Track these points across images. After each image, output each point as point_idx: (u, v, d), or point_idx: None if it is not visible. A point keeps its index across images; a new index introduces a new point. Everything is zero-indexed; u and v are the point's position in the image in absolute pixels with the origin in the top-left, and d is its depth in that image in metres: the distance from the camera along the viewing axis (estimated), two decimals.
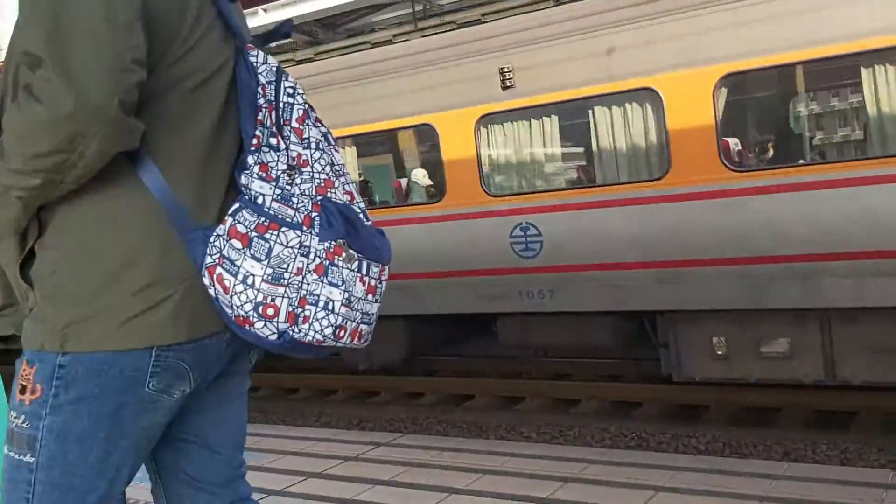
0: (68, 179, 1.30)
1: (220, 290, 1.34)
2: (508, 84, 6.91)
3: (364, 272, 1.41)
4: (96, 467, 1.39)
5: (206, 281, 1.35)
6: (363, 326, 1.44)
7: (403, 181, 8.40)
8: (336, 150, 1.52)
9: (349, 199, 1.48)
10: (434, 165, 7.84)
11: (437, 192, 7.75)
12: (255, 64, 1.43)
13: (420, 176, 8.15)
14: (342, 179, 1.49)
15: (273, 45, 1.58)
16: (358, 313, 1.41)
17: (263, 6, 10.86)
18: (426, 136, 7.88)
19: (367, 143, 8.49)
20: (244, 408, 1.66)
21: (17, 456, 1.40)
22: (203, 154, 1.40)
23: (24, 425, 1.39)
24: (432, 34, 9.14)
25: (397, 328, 7.86)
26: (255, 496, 3.41)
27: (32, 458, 1.38)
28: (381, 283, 1.46)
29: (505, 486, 3.36)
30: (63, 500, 1.39)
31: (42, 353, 1.37)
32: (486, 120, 7.18)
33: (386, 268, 1.48)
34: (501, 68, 6.96)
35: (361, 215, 1.48)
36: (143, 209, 1.34)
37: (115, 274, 1.33)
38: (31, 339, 1.39)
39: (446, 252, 7.35)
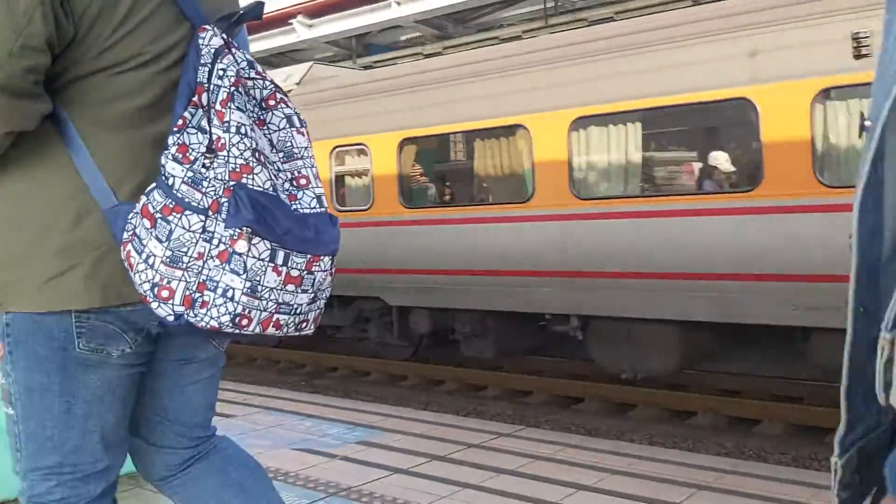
0: None
1: (128, 266, 1.37)
2: (864, 52, 5.75)
3: (280, 262, 1.37)
4: (63, 419, 1.47)
5: (122, 255, 1.38)
6: (281, 316, 1.41)
7: (696, 165, 7.34)
8: (300, 133, 1.51)
9: (304, 182, 1.48)
10: (744, 147, 6.82)
11: (747, 179, 6.65)
12: (201, 46, 1.43)
13: (721, 160, 7.05)
14: (298, 164, 1.49)
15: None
16: (271, 303, 1.38)
17: (397, 0, 11.06)
18: (737, 112, 6.67)
19: (655, 120, 7.37)
20: (208, 389, 1.71)
21: (5, 410, 1.52)
22: (134, 133, 1.42)
23: (2, 381, 1.50)
24: (562, 31, 9.05)
25: (668, 336, 7.09)
26: (382, 472, 3.47)
27: (13, 412, 1.49)
28: (310, 273, 1.42)
29: (633, 488, 3.29)
30: (42, 450, 1.49)
31: None
32: (829, 94, 6.02)
33: (322, 258, 1.44)
34: (855, 33, 5.82)
35: (315, 202, 1.47)
36: (65, 182, 1.40)
37: (36, 239, 1.41)
38: None
39: (754, 251, 6.21)
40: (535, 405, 7.87)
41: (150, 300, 1.37)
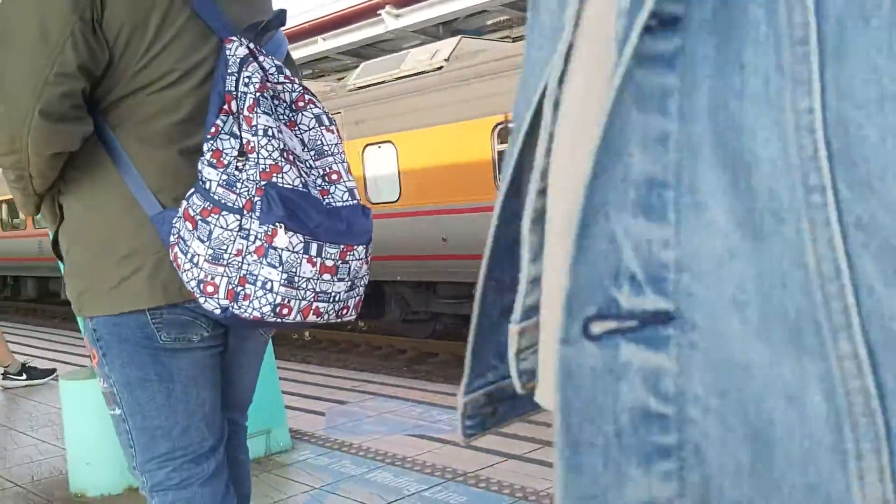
0: (35, 174, 1.51)
1: (176, 266, 1.50)
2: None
3: (313, 253, 1.47)
4: (166, 405, 1.60)
5: (171, 257, 1.50)
6: (320, 304, 1.51)
7: None
8: (329, 131, 1.61)
9: (335, 178, 1.58)
10: None
11: None
12: (227, 56, 1.52)
13: None
14: (329, 160, 1.60)
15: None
16: (308, 292, 1.48)
17: None
18: None
19: None
20: (250, 376, 1.86)
21: (111, 412, 1.65)
22: (174, 147, 1.54)
23: (104, 385, 1.64)
24: None
25: None
26: (496, 458, 3.53)
27: (120, 411, 1.62)
28: (345, 262, 1.52)
29: None
30: (154, 440, 1.62)
31: (82, 321, 1.64)
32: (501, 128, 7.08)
33: (356, 247, 1.54)
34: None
35: (347, 195, 1.58)
36: (119, 198, 1.53)
37: (101, 250, 1.55)
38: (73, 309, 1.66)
39: None
40: None
41: (198, 296, 1.48)
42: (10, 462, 3.99)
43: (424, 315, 10.26)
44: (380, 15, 12.76)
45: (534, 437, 3.93)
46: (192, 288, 1.48)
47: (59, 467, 3.82)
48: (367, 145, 10.04)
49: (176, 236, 1.48)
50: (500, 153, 8.57)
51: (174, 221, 1.49)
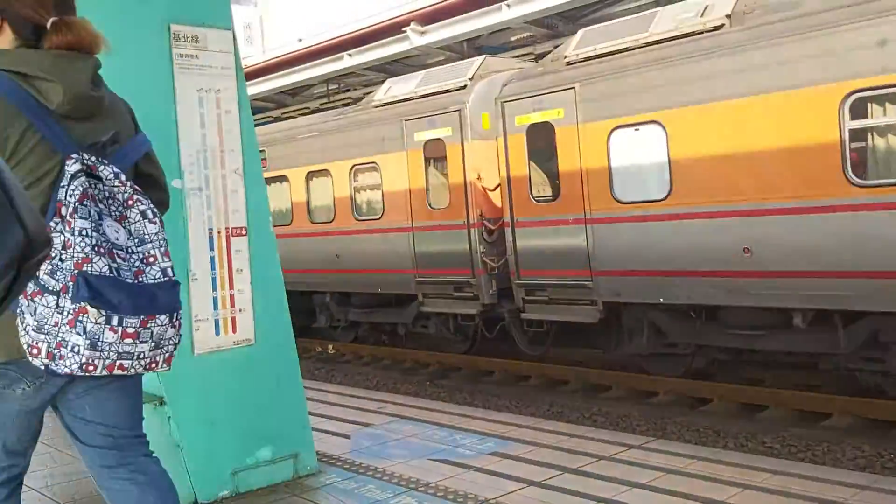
0: None
1: (18, 332, 1.93)
2: None
3: (115, 323, 1.92)
4: None
5: (16, 324, 1.93)
6: (125, 362, 1.96)
7: None
8: (152, 223, 2.06)
9: (152, 260, 2.03)
10: None
11: None
12: (65, 171, 1.98)
13: None
14: (148, 246, 2.03)
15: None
16: (112, 353, 1.93)
17: (507, 2, 11.15)
18: None
19: None
20: (123, 395, 2.19)
21: None
22: None
23: None
24: None
25: None
26: (517, 484, 3.61)
27: None
28: (146, 328, 1.97)
29: None
30: None
31: None
32: None
33: (158, 317, 1.98)
34: None
35: (160, 273, 2.02)
36: None
37: None
38: None
39: None
40: (662, 406, 7.83)
41: (29, 356, 1.93)
42: (52, 480, 4.14)
43: (685, 348, 8.10)
44: (405, 32, 12.92)
45: (551, 462, 4.02)
46: (26, 349, 1.93)
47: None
48: (616, 128, 7.94)
49: (19, 310, 1.93)
50: (854, 133, 6.44)
51: (20, 299, 1.91)
